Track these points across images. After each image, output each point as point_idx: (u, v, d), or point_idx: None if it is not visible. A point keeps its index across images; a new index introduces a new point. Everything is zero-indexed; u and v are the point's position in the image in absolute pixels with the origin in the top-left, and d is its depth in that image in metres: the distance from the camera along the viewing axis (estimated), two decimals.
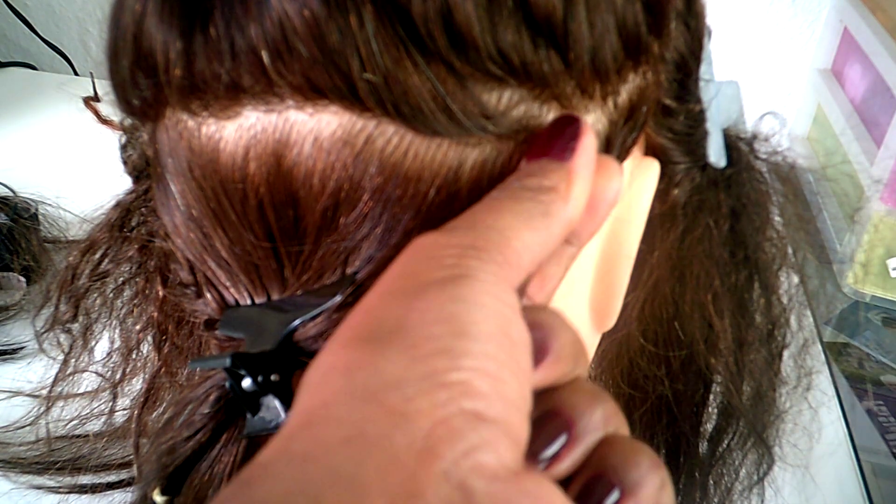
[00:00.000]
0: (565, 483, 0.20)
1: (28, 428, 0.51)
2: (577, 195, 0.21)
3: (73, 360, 0.44)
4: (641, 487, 0.19)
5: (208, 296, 0.26)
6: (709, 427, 0.42)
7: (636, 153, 0.28)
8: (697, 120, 0.31)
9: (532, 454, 0.19)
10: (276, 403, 0.23)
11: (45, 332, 0.44)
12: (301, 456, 0.15)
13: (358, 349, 0.17)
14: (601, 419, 0.20)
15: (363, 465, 0.15)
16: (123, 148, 0.35)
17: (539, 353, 0.20)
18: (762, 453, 0.43)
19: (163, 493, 0.24)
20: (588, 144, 0.22)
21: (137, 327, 0.39)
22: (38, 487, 0.50)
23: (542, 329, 0.20)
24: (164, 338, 0.36)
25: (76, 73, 1.19)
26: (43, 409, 0.47)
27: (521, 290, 0.22)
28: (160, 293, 0.34)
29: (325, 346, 0.18)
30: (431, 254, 0.19)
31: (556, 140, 0.22)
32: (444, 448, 0.15)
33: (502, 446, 0.16)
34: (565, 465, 0.19)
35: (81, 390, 0.45)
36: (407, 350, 0.17)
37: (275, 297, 0.24)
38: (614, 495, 0.19)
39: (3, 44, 1.27)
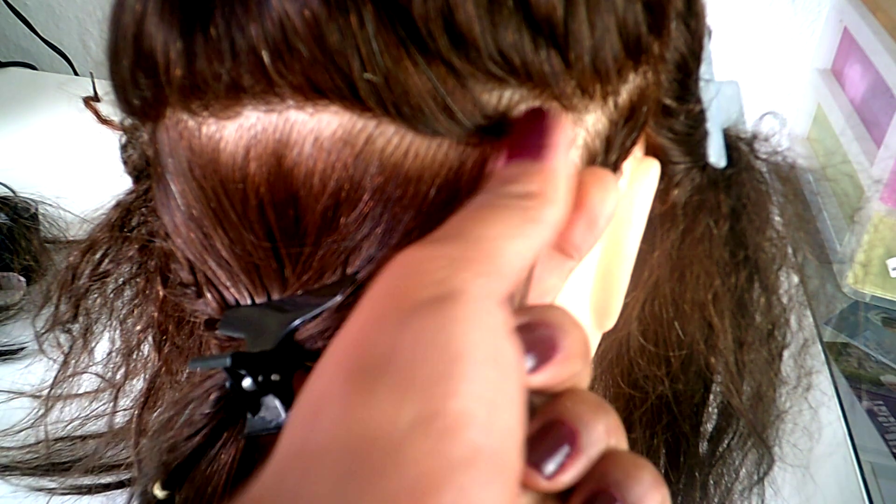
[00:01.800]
0: (566, 495, 0.20)
1: (29, 430, 0.51)
2: (562, 194, 0.21)
3: (73, 361, 0.44)
4: None
5: (208, 296, 0.26)
6: (709, 427, 0.42)
7: (636, 153, 0.28)
8: (697, 120, 0.31)
9: (535, 464, 0.19)
10: (277, 403, 0.23)
11: (45, 332, 0.44)
12: (292, 495, 0.15)
13: (350, 383, 0.17)
14: (604, 431, 0.20)
15: None
16: (123, 148, 0.36)
17: (548, 350, 0.20)
18: (762, 453, 0.43)
19: (163, 487, 0.24)
20: (563, 138, 0.21)
21: (138, 327, 0.39)
22: (39, 489, 0.50)
23: (550, 327, 0.20)
24: (164, 338, 0.36)
25: (76, 73, 1.19)
26: (43, 410, 0.47)
27: (520, 298, 0.22)
28: (160, 293, 0.34)
29: (318, 370, 0.17)
30: (420, 268, 0.18)
31: (530, 137, 0.21)
32: (436, 491, 0.15)
33: (496, 485, 0.16)
34: (569, 477, 0.19)
35: (82, 391, 0.45)
36: (398, 386, 0.16)
37: (275, 296, 0.24)
38: None
39: (3, 44, 1.27)
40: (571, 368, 0.20)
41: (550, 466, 0.19)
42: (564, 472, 0.19)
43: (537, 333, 0.20)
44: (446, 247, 0.19)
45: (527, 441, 0.20)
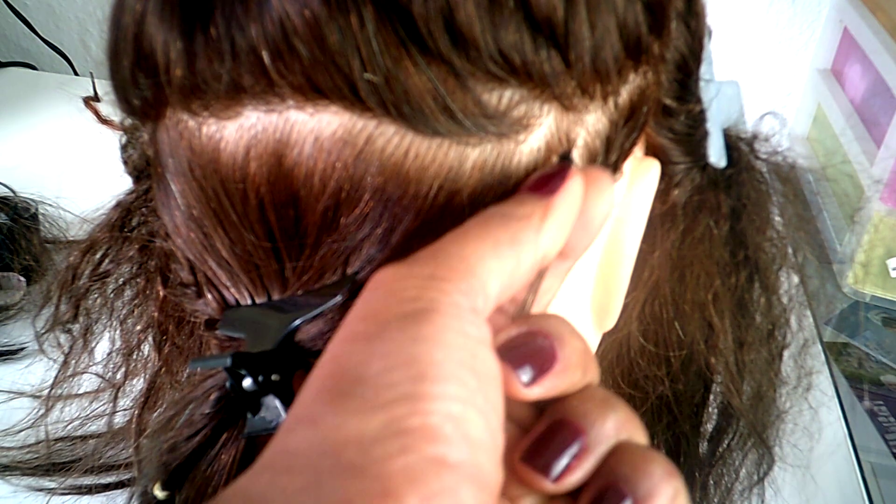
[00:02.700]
0: (576, 493, 0.20)
1: (29, 430, 0.51)
2: (551, 229, 0.21)
3: (73, 361, 0.44)
4: (654, 497, 0.19)
5: (209, 296, 0.26)
6: (709, 427, 0.42)
7: (637, 153, 0.28)
8: (698, 120, 0.31)
9: (543, 466, 0.19)
10: (277, 403, 0.23)
11: (45, 332, 0.44)
12: (258, 498, 0.16)
13: (323, 402, 0.17)
14: (613, 427, 0.20)
15: None
16: (124, 148, 0.36)
17: (547, 361, 0.20)
18: (762, 453, 0.43)
19: (163, 488, 0.24)
20: (574, 186, 0.22)
21: (138, 327, 0.39)
22: (39, 489, 0.50)
23: (548, 337, 0.20)
24: (164, 338, 0.36)
25: (76, 73, 1.19)
26: (43, 410, 0.48)
27: (525, 305, 0.22)
28: (161, 293, 0.34)
29: (298, 396, 0.18)
30: (392, 288, 0.19)
31: (544, 179, 0.22)
32: (402, 494, 0.15)
33: (465, 492, 0.16)
34: (576, 477, 0.19)
35: (82, 391, 0.45)
36: (368, 400, 0.17)
37: (275, 296, 0.24)
38: None
39: (3, 44, 1.27)
40: (571, 378, 0.20)
41: (557, 469, 0.19)
42: (571, 473, 0.19)
43: (536, 343, 0.20)
44: (419, 265, 0.19)
45: (534, 443, 0.20)
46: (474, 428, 0.17)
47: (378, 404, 0.16)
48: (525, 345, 0.20)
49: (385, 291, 0.19)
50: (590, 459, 0.19)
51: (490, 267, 0.19)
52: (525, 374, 0.20)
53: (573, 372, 0.20)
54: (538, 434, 0.20)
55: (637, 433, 0.20)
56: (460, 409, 0.17)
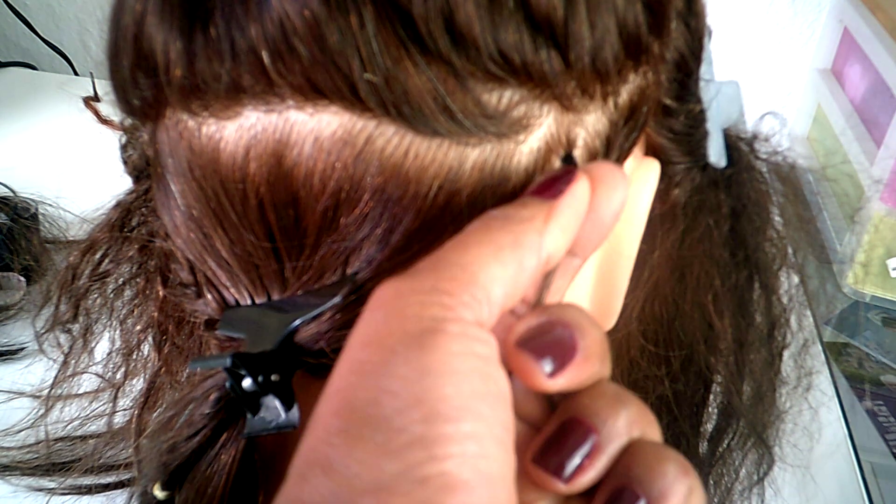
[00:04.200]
0: (590, 493, 0.19)
1: (29, 430, 0.51)
2: (555, 231, 0.20)
3: (73, 361, 0.44)
4: (668, 497, 0.18)
5: (208, 296, 0.26)
6: (709, 427, 0.42)
7: (636, 153, 0.28)
8: (698, 120, 0.31)
9: (555, 467, 0.19)
10: (277, 403, 0.23)
11: (45, 332, 0.44)
12: None
13: (334, 446, 0.17)
14: (625, 425, 0.20)
15: None
16: (123, 148, 0.35)
17: (567, 352, 0.20)
18: (762, 453, 0.43)
19: (163, 488, 0.24)
20: (580, 190, 0.21)
21: (138, 327, 0.39)
22: (39, 489, 0.50)
23: (568, 327, 0.20)
24: (164, 338, 0.36)
25: (76, 73, 1.19)
26: (43, 410, 0.47)
27: (537, 300, 0.22)
28: (160, 293, 0.34)
29: (308, 433, 0.17)
30: (393, 307, 0.18)
31: (549, 182, 0.21)
32: None
33: None
34: (589, 477, 0.19)
35: (82, 391, 0.45)
36: (380, 445, 0.16)
37: (275, 297, 0.24)
38: None
39: (3, 44, 1.27)
40: (590, 370, 0.20)
41: (569, 469, 0.19)
42: (584, 473, 0.19)
43: (555, 334, 0.20)
44: (422, 279, 0.18)
45: (545, 443, 0.20)
46: (493, 463, 0.16)
47: (392, 450, 0.16)
48: (545, 335, 0.20)
49: (386, 311, 0.18)
50: (602, 458, 0.19)
51: (493, 273, 0.19)
52: (547, 365, 0.19)
53: (593, 362, 0.20)
54: (549, 434, 0.20)
55: (650, 429, 0.20)
56: (476, 447, 0.16)
